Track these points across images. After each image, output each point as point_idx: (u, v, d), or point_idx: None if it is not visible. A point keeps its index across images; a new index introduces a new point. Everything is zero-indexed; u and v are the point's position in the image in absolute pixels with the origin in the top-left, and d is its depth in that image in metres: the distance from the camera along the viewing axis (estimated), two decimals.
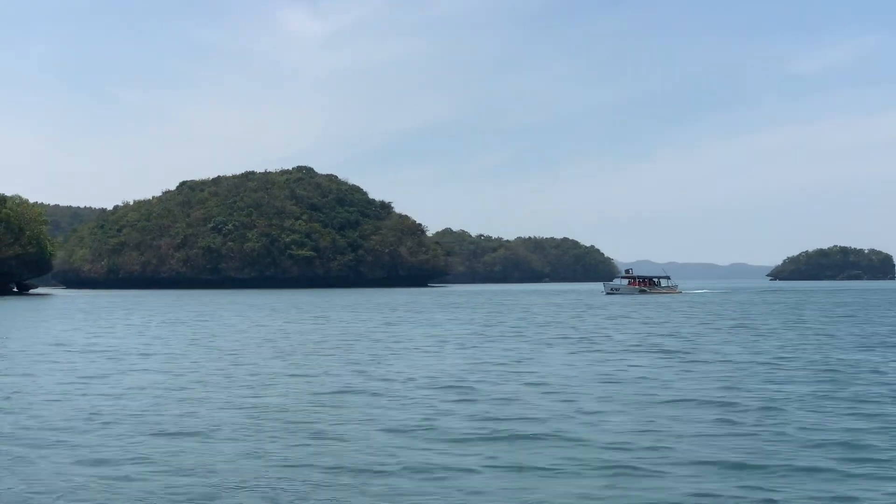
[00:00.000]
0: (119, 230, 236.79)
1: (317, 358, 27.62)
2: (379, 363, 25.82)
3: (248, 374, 23.25)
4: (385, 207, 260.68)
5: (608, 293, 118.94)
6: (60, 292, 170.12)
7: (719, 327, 43.38)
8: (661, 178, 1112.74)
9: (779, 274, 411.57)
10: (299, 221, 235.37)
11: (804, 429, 14.43)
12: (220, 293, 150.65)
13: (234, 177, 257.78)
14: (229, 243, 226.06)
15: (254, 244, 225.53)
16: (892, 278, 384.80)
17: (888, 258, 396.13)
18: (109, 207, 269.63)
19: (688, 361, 25.88)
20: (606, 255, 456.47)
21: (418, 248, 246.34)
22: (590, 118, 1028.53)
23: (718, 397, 17.80)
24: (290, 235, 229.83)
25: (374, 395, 18.79)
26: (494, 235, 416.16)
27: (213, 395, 18.85)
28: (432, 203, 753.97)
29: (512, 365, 25.07)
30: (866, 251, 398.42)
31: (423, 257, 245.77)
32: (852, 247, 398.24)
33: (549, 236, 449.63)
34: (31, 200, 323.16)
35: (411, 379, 21.54)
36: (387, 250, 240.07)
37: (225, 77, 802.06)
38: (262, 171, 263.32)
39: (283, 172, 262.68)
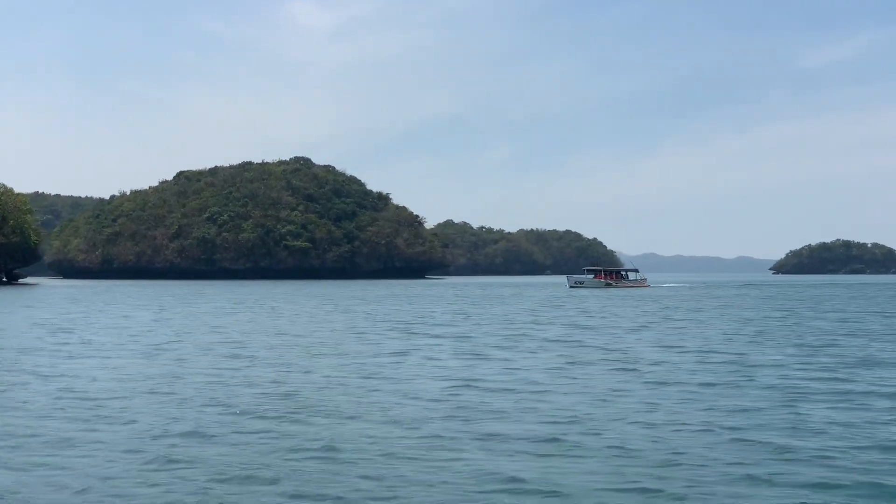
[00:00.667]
0: (114, 220, 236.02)
1: (199, 358, 26.30)
2: (255, 363, 24.48)
3: (95, 372, 21.98)
4: (382, 199, 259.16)
5: (572, 286, 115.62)
6: (48, 282, 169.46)
7: (661, 324, 41.98)
8: (667, 172, 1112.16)
9: (781, 268, 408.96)
10: (295, 212, 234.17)
11: (614, 452, 13.00)
12: (209, 284, 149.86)
13: (230, 167, 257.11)
14: (224, 234, 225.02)
15: (249, 235, 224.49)
16: (895, 272, 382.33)
17: (891, 252, 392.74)
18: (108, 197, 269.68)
19: (588, 364, 24.46)
20: (610, 248, 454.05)
21: (415, 240, 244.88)
22: (597, 111, 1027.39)
23: (572, 415, 15.78)
24: (285, 226, 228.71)
25: (179, 398, 17.49)
26: (496, 227, 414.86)
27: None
28: (438, 196, 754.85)
29: (390, 367, 23.68)
30: (869, 245, 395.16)
31: (419, 249, 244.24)
32: (855, 241, 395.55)
33: (551, 229, 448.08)
34: (39, 191, 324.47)
35: (247, 384, 20.19)
36: (383, 242, 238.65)
37: (232, 69, 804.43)
38: (260, 161, 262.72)
39: (281, 163, 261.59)
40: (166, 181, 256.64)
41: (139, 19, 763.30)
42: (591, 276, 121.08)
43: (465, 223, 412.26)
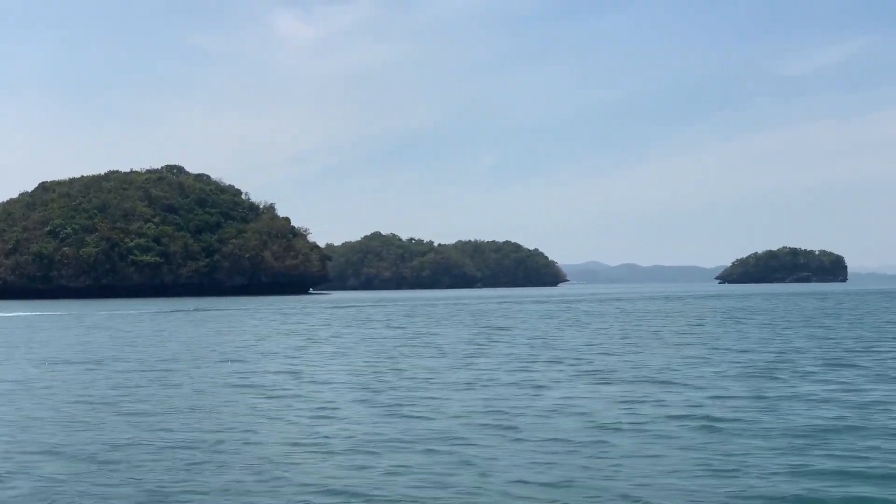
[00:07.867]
0: None
1: None
2: None
3: None
4: (254, 209, 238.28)
5: None
6: None
7: None
8: (651, 181, 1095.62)
9: (727, 277, 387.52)
10: (149, 225, 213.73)
11: None
12: (27, 304, 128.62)
13: (92, 177, 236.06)
14: (64, 249, 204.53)
15: (91, 249, 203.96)
16: (844, 280, 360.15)
17: (839, 259, 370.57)
18: None
19: None
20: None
21: (285, 253, 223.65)
22: (582, 120, 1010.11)
23: None
24: (134, 240, 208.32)
25: None
26: (426, 239, 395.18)
27: None
28: (420, 208, 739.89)
29: None
30: (817, 252, 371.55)
31: (290, 262, 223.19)
32: (802, 248, 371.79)
33: (490, 240, 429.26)
34: None
35: None
36: (247, 255, 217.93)
37: (217, 82, 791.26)
38: (128, 170, 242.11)
39: (148, 172, 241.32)
40: (25, 192, 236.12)
41: (121, 33, 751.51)
42: None
43: (393, 234, 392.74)
